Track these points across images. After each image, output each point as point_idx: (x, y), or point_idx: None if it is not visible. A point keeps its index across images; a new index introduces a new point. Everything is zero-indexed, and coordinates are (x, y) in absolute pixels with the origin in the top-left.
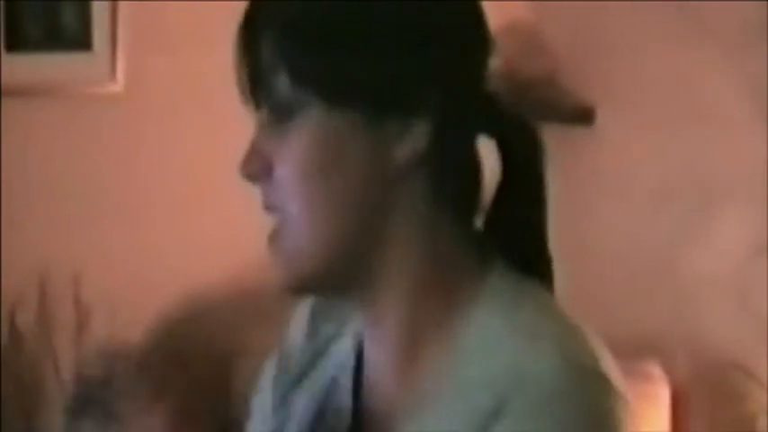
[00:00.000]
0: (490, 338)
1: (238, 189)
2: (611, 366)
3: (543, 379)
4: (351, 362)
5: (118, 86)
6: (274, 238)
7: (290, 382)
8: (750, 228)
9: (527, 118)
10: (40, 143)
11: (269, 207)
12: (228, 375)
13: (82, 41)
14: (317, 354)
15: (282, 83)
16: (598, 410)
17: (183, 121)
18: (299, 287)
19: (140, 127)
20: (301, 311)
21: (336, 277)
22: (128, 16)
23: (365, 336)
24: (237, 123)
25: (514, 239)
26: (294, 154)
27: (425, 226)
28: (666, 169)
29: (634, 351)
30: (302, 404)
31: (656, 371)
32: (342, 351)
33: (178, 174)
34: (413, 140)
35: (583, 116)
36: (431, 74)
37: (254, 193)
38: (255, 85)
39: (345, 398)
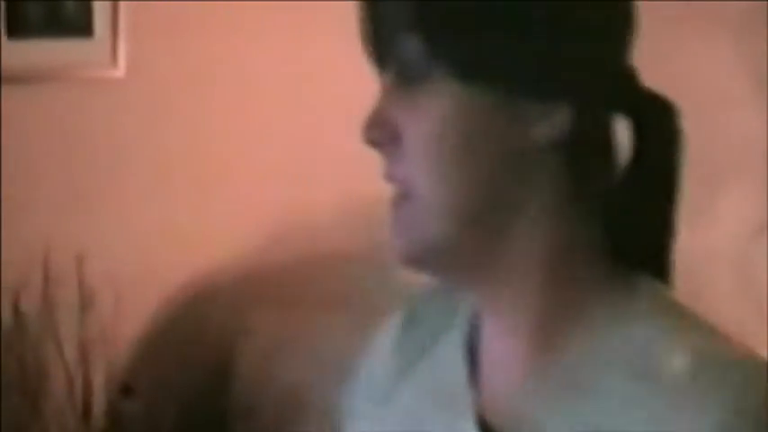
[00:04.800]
0: (626, 323)
1: (240, 173)
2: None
3: (708, 370)
4: (461, 352)
5: (119, 72)
6: (397, 207)
7: (389, 380)
8: (751, 207)
9: (668, 99)
10: (41, 128)
11: (392, 177)
12: (232, 357)
13: (83, 27)
14: (418, 349)
15: (414, 46)
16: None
17: (183, 107)
18: (419, 262)
19: (141, 112)
20: (391, 324)
21: (460, 256)
22: (129, 2)
23: (484, 323)
24: (238, 109)
25: (637, 229)
26: (424, 127)
27: (559, 209)
28: None
29: None
30: (410, 395)
31: None
32: (451, 342)
33: (180, 157)
34: (553, 122)
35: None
36: (575, 55)
37: (256, 176)
38: (381, 42)
39: (461, 385)
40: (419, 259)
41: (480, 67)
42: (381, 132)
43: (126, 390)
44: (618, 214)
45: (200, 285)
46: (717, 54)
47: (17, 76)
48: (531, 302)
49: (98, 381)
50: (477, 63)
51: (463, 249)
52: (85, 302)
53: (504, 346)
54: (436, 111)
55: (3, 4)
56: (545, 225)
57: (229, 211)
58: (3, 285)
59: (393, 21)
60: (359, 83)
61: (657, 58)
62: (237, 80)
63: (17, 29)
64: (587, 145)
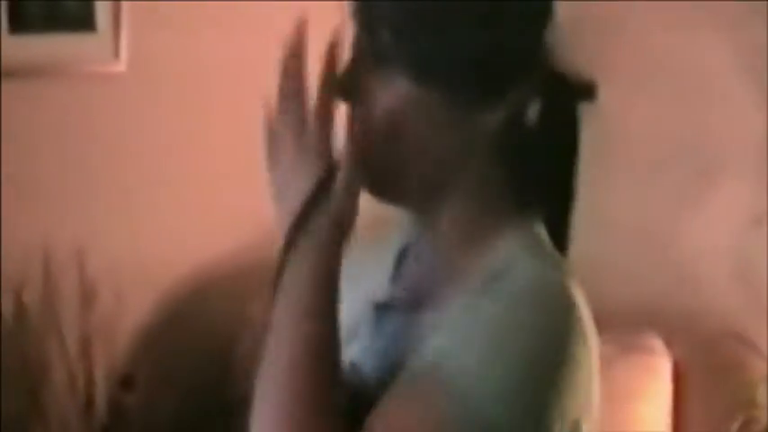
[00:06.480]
0: (507, 260)
1: (240, 166)
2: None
3: (530, 286)
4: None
5: (121, 66)
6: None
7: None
8: (748, 199)
9: (576, 80)
10: (44, 122)
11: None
12: (231, 348)
13: (85, 21)
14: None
15: (381, 39)
16: (558, 324)
17: (185, 100)
18: (378, 197)
19: (143, 106)
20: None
21: (411, 194)
22: None
23: (419, 237)
24: (238, 103)
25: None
26: (386, 108)
27: (489, 165)
28: (666, 143)
29: (634, 324)
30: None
31: (657, 344)
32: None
33: (181, 151)
34: (500, 111)
35: (585, 92)
36: (515, 51)
37: (256, 171)
38: (364, 26)
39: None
40: (378, 197)
41: (425, 72)
42: (358, 86)
43: (126, 382)
44: (527, 167)
45: (200, 278)
46: (713, 48)
47: (18, 71)
48: (454, 229)
49: (99, 374)
50: (422, 67)
51: (412, 190)
52: (86, 296)
53: (429, 248)
54: (394, 97)
55: None
56: (478, 173)
57: (229, 204)
58: (4, 280)
59: (372, 13)
60: None
61: (655, 51)
62: (239, 75)
63: (18, 24)
64: (517, 120)
